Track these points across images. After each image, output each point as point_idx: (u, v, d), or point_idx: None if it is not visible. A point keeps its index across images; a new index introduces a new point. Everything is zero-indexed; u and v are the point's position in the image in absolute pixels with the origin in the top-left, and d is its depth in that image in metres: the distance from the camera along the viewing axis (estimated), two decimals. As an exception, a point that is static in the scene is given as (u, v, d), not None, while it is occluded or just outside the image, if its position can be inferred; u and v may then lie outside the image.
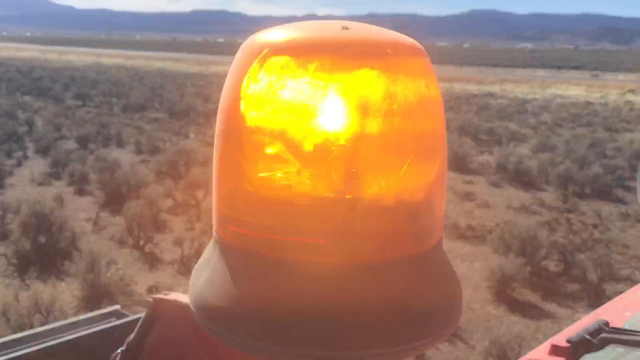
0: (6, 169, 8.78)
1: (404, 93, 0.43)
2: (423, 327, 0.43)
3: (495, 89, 30.08)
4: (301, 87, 0.42)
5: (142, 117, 15.02)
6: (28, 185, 8.22)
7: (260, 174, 0.43)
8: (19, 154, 10.06)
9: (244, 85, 0.43)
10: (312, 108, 0.42)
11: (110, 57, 53.11)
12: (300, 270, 0.42)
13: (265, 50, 0.42)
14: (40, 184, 8.28)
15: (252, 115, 0.43)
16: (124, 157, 9.97)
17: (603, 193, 8.60)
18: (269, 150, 0.43)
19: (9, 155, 9.78)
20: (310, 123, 0.42)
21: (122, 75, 29.38)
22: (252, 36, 0.44)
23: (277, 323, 0.42)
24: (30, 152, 10.34)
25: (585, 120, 17.09)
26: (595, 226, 7.06)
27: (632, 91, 28.81)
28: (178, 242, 5.57)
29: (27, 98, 18.06)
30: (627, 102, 23.86)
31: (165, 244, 5.84)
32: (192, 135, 12.33)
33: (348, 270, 0.42)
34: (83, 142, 10.83)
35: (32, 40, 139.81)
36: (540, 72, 48.46)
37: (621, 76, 44.23)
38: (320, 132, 0.41)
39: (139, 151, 10.61)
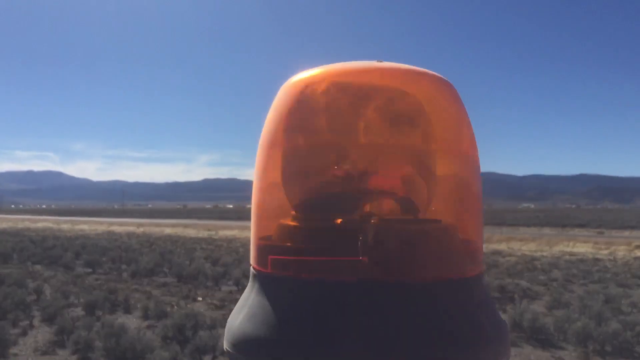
0: (10, 339, 8.60)
1: (440, 116, 0.45)
2: (474, 351, 0.42)
3: (503, 247, 30.12)
4: (341, 107, 0.43)
5: (151, 282, 14.98)
6: (31, 354, 8.01)
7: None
8: (25, 322, 9.91)
9: (288, 113, 0.45)
10: (353, 128, 0.43)
11: (122, 226, 54.15)
12: (346, 289, 0.41)
13: (308, 81, 0.45)
14: (44, 353, 8.07)
15: (296, 140, 0.45)
16: (131, 322, 9.81)
17: (624, 350, 8.28)
18: (311, 173, 0.44)
19: (14, 324, 9.64)
20: (351, 144, 0.43)
21: (133, 242, 29.75)
22: (291, 79, 0.45)
23: (326, 345, 0.40)
24: (36, 321, 10.18)
25: (596, 276, 16.88)
26: (621, 386, 6.71)
27: (639, 247, 28.77)
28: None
29: (37, 267, 18.18)
30: (637, 258, 23.71)
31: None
32: (200, 299, 12.21)
33: (394, 289, 0.42)
34: (90, 308, 10.71)
35: (48, 212, 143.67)
36: (546, 230, 48.80)
37: (626, 233, 44.43)
38: (362, 153, 0.42)
39: (145, 316, 10.45)
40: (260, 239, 0.48)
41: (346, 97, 0.45)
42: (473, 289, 0.46)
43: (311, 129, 0.45)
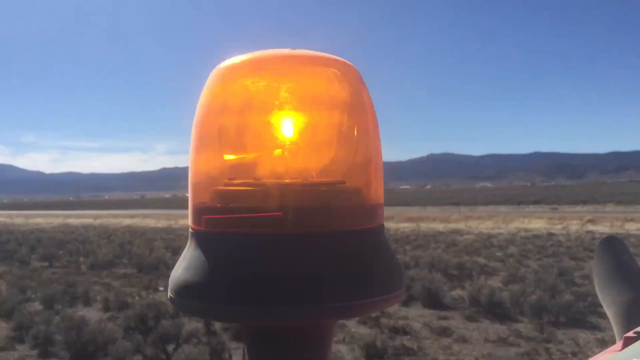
0: (-34, 336, 8.41)
1: (339, 94, 0.53)
2: (367, 286, 0.50)
3: (461, 225, 30.77)
4: (259, 89, 0.52)
5: (110, 274, 14.79)
6: (-11, 351, 7.84)
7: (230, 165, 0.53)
8: (-20, 320, 9.68)
9: (214, 95, 0.53)
10: (270, 107, 0.52)
11: (78, 218, 53.07)
12: (264, 239, 0.49)
13: (230, 68, 0.53)
14: (2, 349, 7.90)
15: (222, 119, 0.53)
16: (91, 314, 9.68)
17: (577, 320, 8.61)
18: (236, 147, 0.53)
19: (-31, 322, 9.40)
20: (267, 121, 0.52)
21: (90, 234, 29.23)
22: (218, 65, 0.54)
23: (248, 286, 0.48)
24: (-8, 317, 9.96)
25: (551, 250, 17.45)
26: (574, 354, 7.00)
27: (591, 221, 29.80)
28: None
29: (-9, 263, 17.70)
30: (588, 232, 24.56)
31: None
32: (161, 289, 12.12)
33: (302, 238, 0.50)
34: (48, 302, 10.52)
35: (0, 207, 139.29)
36: (502, 208, 49.99)
37: (579, 208, 45.92)
38: (275, 128, 0.52)
39: (106, 308, 10.33)
40: (196, 204, 0.54)
41: (263, 80, 0.52)
42: (372, 237, 0.53)
43: (235, 109, 0.53)
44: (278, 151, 0.53)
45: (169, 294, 0.54)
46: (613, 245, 1.12)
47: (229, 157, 0.54)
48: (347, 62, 0.55)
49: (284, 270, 0.49)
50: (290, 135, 0.53)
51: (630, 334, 0.80)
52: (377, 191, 0.56)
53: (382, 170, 0.57)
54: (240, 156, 0.54)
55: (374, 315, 9.23)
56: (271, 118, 0.52)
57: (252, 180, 0.53)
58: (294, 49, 0.53)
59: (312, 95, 0.54)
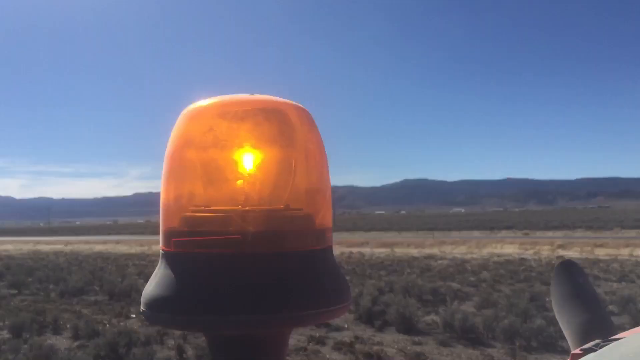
0: None
1: (289, 134, 0.65)
2: (315, 299, 0.61)
3: (435, 251, 30.94)
4: (222, 130, 0.64)
5: (81, 301, 14.51)
6: (-48, 381, 7.61)
7: (196, 197, 0.64)
8: (-55, 348, 9.40)
9: (183, 133, 0.65)
10: (231, 144, 0.63)
11: (49, 244, 52.00)
12: (226, 258, 0.60)
13: (198, 110, 0.65)
14: (-33, 379, 7.70)
15: (190, 154, 0.65)
16: (61, 343, 9.48)
17: (549, 345, 8.70)
18: (202, 179, 0.64)
19: None
20: (228, 157, 0.63)
21: (61, 261, 28.66)
22: (187, 107, 0.65)
23: (210, 298, 0.58)
24: (-43, 346, 9.68)
25: (523, 275, 17.64)
26: (545, 378, 7.06)
27: (562, 246, 30.23)
28: None
29: (-43, 290, 17.24)
30: (559, 257, 24.89)
31: None
32: (133, 316, 11.93)
33: (258, 258, 0.60)
34: (17, 331, 10.27)
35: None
36: (476, 233, 50.42)
37: (550, 233, 46.54)
38: (236, 162, 0.63)
39: (76, 336, 10.12)
40: (166, 228, 0.65)
41: (226, 121, 0.64)
42: (321, 257, 0.64)
43: (202, 146, 0.64)
44: (239, 182, 0.63)
45: (141, 307, 0.63)
46: (569, 269, 1.19)
47: (195, 187, 0.64)
48: (298, 104, 0.67)
49: (241, 285, 0.58)
50: (248, 169, 0.63)
51: (577, 350, 0.86)
52: (325, 217, 0.67)
53: (330, 198, 0.68)
54: (205, 186, 0.64)
55: (347, 340, 9.23)
56: (232, 154, 0.63)
57: (215, 208, 0.63)
58: (253, 94, 0.65)
59: (266, 135, 0.64)
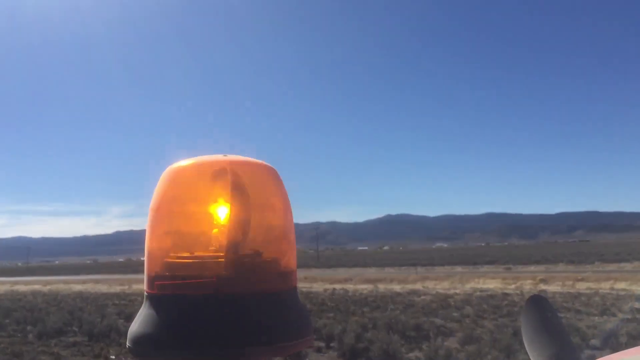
0: None
1: (257, 188, 0.77)
2: (282, 333, 0.72)
3: (418, 286, 30.88)
4: (199, 187, 0.76)
5: (59, 343, 14.20)
6: None
7: (176, 247, 0.76)
8: None
9: (166, 190, 0.76)
10: (207, 199, 0.75)
11: (27, 284, 50.87)
12: (203, 299, 0.70)
13: (178, 169, 0.77)
14: None
15: (172, 208, 0.76)
16: (38, 386, 9.26)
17: (532, 380, 8.70)
18: (182, 229, 0.76)
19: None
20: (205, 211, 0.75)
21: (39, 301, 28.07)
22: (170, 166, 0.78)
23: (190, 335, 0.68)
24: None
25: (505, 310, 17.66)
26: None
27: (543, 280, 30.36)
28: None
29: None
30: (542, 291, 24.96)
31: None
32: (112, 357, 11.71)
33: (231, 298, 0.71)
34: (-8, 374, 10.02)
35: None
36: (458, 269, 50.42)
37: (532, 267, 46.72)
38: (211, 215, 0.75)
39: (54, 379, 9.89)
40: (150, 272, 0.75)
41: (202, 179, 0.76)
42: (287, 297, 0.75)
43: (181, 200, 0.76)
44: (214, 231, 0.75)
45: (128, 344, 0.73)
46: (538, 304, 1.26)
47: (176, 237, 0.76)
48: (265, 163, 0.80)
49: (217, 322, 0.69)
50: (222, 221, 0.74)
51: None
52: (290, 260, 0.79)
53: (294, 243, 0.80)
54: (185, 236, 0.76)
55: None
56: (208, 208, 0.75)
57: (193, 254, 0.74)
58: (226, 155, 0.78)
59: (238, 191, 0.75)
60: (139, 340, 0.71)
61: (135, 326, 0.73)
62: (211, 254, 0.74)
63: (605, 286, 26.28)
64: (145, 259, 0.76)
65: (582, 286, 27.03)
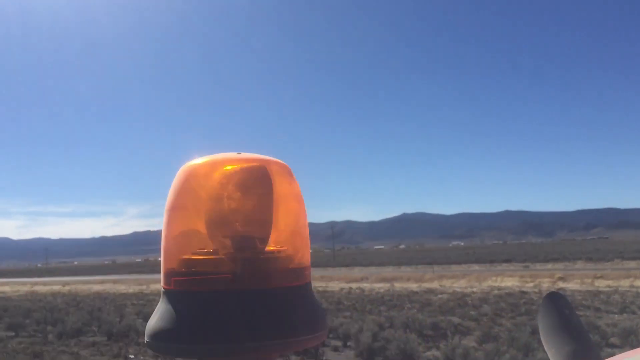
0: None
1: (271, 185, 0.77)
2: (296, 328, 0.73)
3: (435, 285, 30.77)
4: (214, 184, 0.76)
5: (79, 343, 14.36)
6: None
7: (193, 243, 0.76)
8: (-59, 393, 9.29)
9: (182, 188, 0.77)
10: (221, 196, 0.75)
11: (46, 285, 51.55)
12: (219, 295, 0.72)
13: (194, 167, 0.78)
14: None
15: (188, 205, 0.77)
16: (59, 386, 9.38)
17: (551, 378, 8.63)
18: (198, 226, 0.76)
19: None
20: (220, 208, 0.75)
21: (59, 302, 28.42)
22: (184, 165, 0.79)
23: (205, 329, 0.70)
24: (-47, 391, 9.57)
25: (524, 309, 17.54)
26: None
27: (562, 278, 30.10)
28: None
29: (-46, 333, 17.05)
30: (560, 289, 24.76)
31: None
32: (132, 357, 11.82)
33: (246, 294, 0.72)
34: (14, 374, 10.17)
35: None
36: (475, 267, 50.16)
37: (549, 265, 46.33)
38: (226, 212, 0.75)
39: (74, 378, 10.00)
40: (167, 269, 0.76)
41: (217, 176, 0.76)
42: (301, 292, 0.76)
43: (197, 198, 0.76)
44: (228, 228, 0.75)
45: (146, 339, 0.74)
46: (556, 301, 1.25)
47: (192, 233, 0.76)
48: (278, 160, 0.80)
49: (232, 318, 0.70)
50: (237, 218, 0.75)
51: None
52: (304, 256, 0.80)
53: (308, 240, 0.81)
54: (201, 233, 0.75)
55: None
56: (223, 205, 0.75)
57: (209, 250, 0.75)
58: (240, 153, 0.79)
59: (252, 188, 0.76)
60: (156, 335, 0.73)
61: (153, 321, 0.74)
62: (226, 250, 0.75)
63: (624, 284, 26.00)
64: (162, 255, 0.78)
65: (601, 284, 26.77)
